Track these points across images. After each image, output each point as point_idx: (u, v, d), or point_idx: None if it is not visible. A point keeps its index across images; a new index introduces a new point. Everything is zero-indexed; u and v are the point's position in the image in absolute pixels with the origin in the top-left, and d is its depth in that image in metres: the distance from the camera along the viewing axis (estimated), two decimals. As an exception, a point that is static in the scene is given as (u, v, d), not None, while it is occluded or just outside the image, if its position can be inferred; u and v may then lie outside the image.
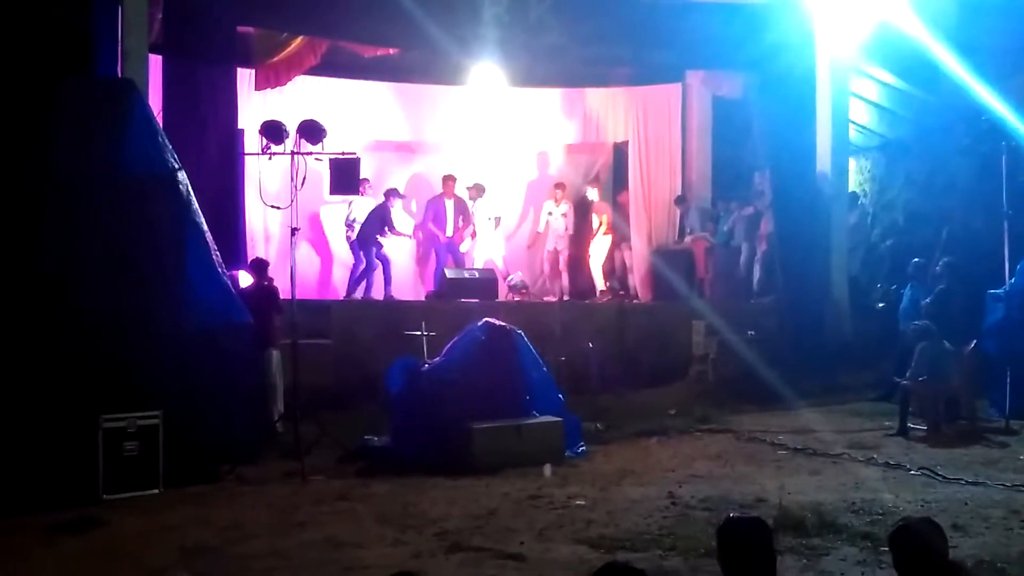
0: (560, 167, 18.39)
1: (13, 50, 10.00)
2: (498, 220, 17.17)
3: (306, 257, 16.16)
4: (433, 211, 16.50)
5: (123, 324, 9.20)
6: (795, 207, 15.27)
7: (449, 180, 16.60)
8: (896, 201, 17.22)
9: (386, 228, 15.73)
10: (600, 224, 17.37)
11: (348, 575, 6.72)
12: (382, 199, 15.80)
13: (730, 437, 11.51)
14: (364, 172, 13.90)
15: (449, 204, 16.51)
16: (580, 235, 17.48)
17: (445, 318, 12.85)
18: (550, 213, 17.25)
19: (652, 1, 15.23)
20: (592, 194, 17.49)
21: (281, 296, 11.89)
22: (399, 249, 16.63)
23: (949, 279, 12.82)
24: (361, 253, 15.63)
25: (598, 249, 17.43)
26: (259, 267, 12.06)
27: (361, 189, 15.00)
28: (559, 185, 17.41)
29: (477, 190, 16.95)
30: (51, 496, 8.34)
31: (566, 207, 17.18)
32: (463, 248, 16.74)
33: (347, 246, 16.14)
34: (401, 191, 16.37)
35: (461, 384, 10.27)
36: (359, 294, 15.50)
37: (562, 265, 17.14)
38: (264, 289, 11.74)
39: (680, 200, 17.82)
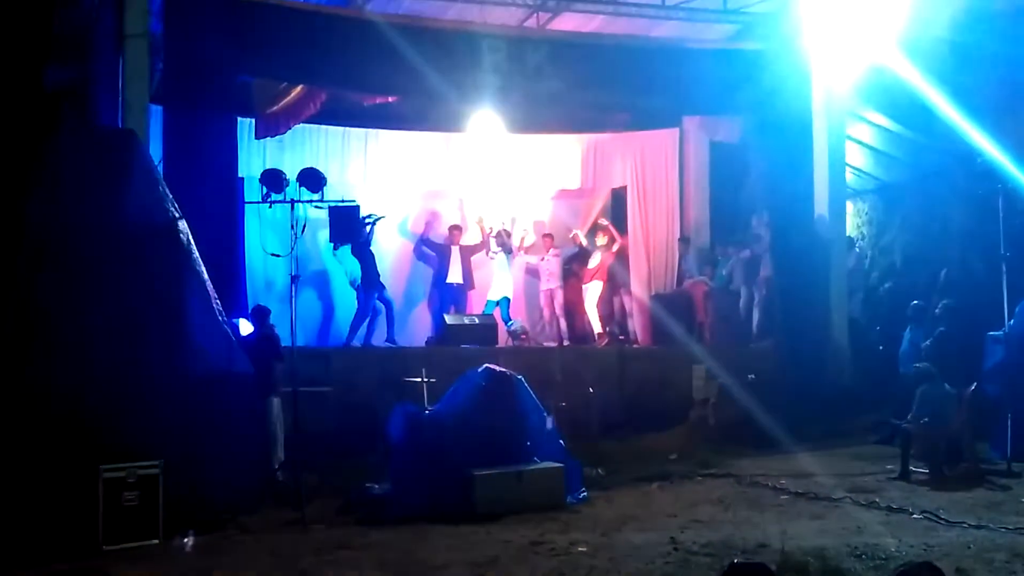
0: (558, 213, 18.49)
1: (15, 100, 10.07)
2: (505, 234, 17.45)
3: (307, 304, 16.19)
4: (437, 255, 16.70)
5: (123, 373, 9.20)
6: (793, 250, 15.35)
7: (455, 230, 16.80)
8: (893, 244, 17.29)
9: (369, 245, 15.85)
10: (598, 267, 17.41)
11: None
12: None
13: (731, 482, 11.48)
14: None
15: (455, 251, 16.66)
16: (574, 278, 17.56)
17: (445, 364, 12.84)
18: (542, 259, 17.40)
19: (649, 47, 15.41)
20: (601, 240, 17.51)
21: (282, 344, 11.89)
22: (406, 293, 16.84)
23: (948, 321, 12.85)
24: (363, 297, 15.66)
25: (591, 294, 17.47)
26: (260, 315, 12.07)
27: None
28: (548, 236, 17.58)
29: (505, 235, 17.23)
30: (51, 547, 8.29)
31: (556, 250, 17.36)
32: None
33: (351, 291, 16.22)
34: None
35: (462, 430, 10.25)
36: (359, 341, 15.50)
37: (558, 310, 17.20)
38: (265, 337, 11.75)
39: (684, 240, 17.90)
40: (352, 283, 16.02)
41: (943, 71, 13.71)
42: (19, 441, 8.70)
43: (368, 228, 15.62)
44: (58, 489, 8.62)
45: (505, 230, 17.44)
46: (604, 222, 17.99)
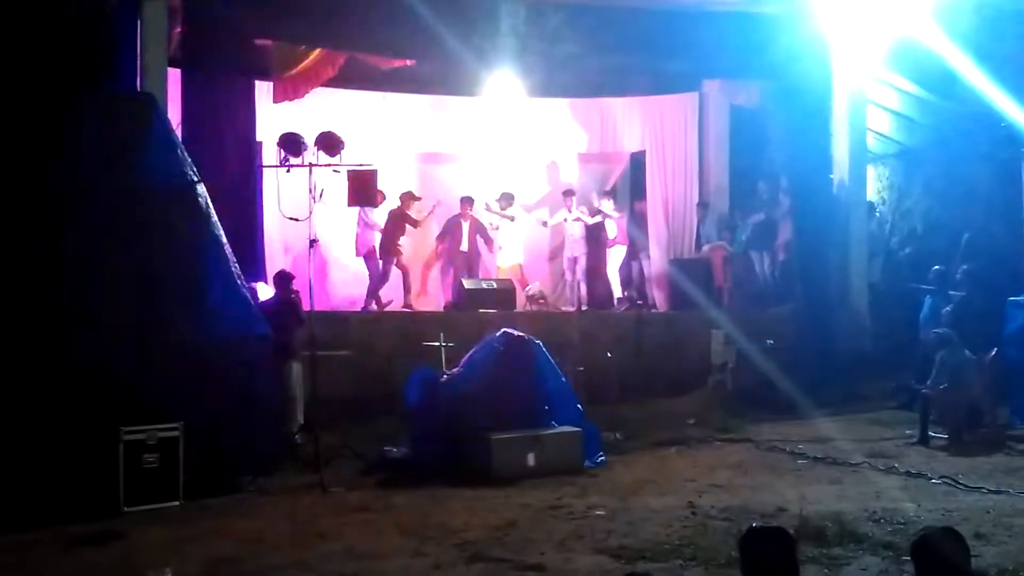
0: (577, 177, 18.40)
1: (35, 65, 10.09)
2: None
3: (325, 268, 16.20)
4: (450, 231, 16.61)
5: (143, 336, 9.24)
6: (813, 215, 15.26)
7: (466, 202, 16.66)
8: (915, 209, 17.14)
9: (407, 225, 15.88)
10: (616, 234, 17.40)
11: (368, 586, 6.74)
12: (398, 203, 15.87)
13: (749, 446, 11.49)
14: (381, 183, 13.88)
15: (465, 225, 16.56)
16: (597, 244, 17.49)
17: (463, 329, 12.86)
18: (564, 220, 17.30)
19: (668, 10, 15.24)
20: (606, 206, 17.43)
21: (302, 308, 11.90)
22: (419, 259, 16.75)
23: (969, 287, 12.77)
24: (381, 263, 15.66)
25: (614, 258, 17.43)
26: (283, 279, 12.09)
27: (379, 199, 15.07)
28: (568, 192, 17.47)
29: (506, 199, 17.06)
30: (72, 509, 8.38)
31: (579, 212, 17.23)
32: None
33: (362, 256, 16.17)
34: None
35: (480, 395, 10.28)
36: (375, 305, 15.51)
37: (579, 275, 17.14)
38: (286, 301, 11.77)
39: (703, 204, 17.81)
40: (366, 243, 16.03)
41: (967, 33, 13.52)
42: (41, 403, 8.77)
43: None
44: (79, 451, 8.70)
45: (499, 200, 17.31)
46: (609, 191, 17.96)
